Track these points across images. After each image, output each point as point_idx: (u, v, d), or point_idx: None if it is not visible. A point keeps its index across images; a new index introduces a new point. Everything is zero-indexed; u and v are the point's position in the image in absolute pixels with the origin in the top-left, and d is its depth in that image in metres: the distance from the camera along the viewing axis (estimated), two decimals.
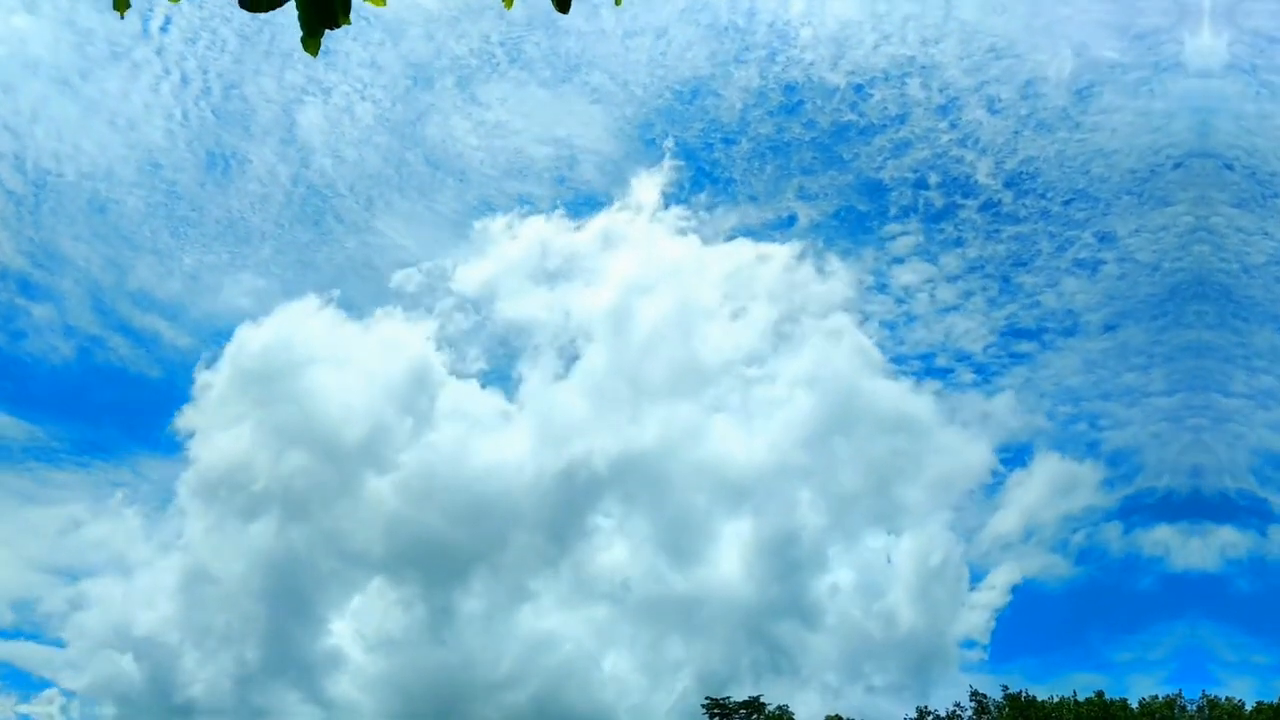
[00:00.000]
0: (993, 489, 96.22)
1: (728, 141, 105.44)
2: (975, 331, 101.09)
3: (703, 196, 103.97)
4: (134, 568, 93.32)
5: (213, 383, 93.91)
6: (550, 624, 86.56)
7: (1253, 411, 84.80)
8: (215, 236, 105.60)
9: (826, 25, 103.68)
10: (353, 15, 6.10)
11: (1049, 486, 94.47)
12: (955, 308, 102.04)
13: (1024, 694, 66.93)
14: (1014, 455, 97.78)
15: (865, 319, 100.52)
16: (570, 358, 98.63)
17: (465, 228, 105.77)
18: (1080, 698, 65.86)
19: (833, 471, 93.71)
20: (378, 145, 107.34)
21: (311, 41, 6.05)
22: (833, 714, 72.64)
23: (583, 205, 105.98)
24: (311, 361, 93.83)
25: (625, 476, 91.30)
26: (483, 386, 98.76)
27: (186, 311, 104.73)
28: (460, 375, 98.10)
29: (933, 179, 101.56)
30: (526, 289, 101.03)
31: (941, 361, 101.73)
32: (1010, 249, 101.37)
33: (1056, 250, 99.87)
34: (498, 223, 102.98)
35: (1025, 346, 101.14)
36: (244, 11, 5.80)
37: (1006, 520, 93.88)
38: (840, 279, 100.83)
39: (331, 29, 6.08)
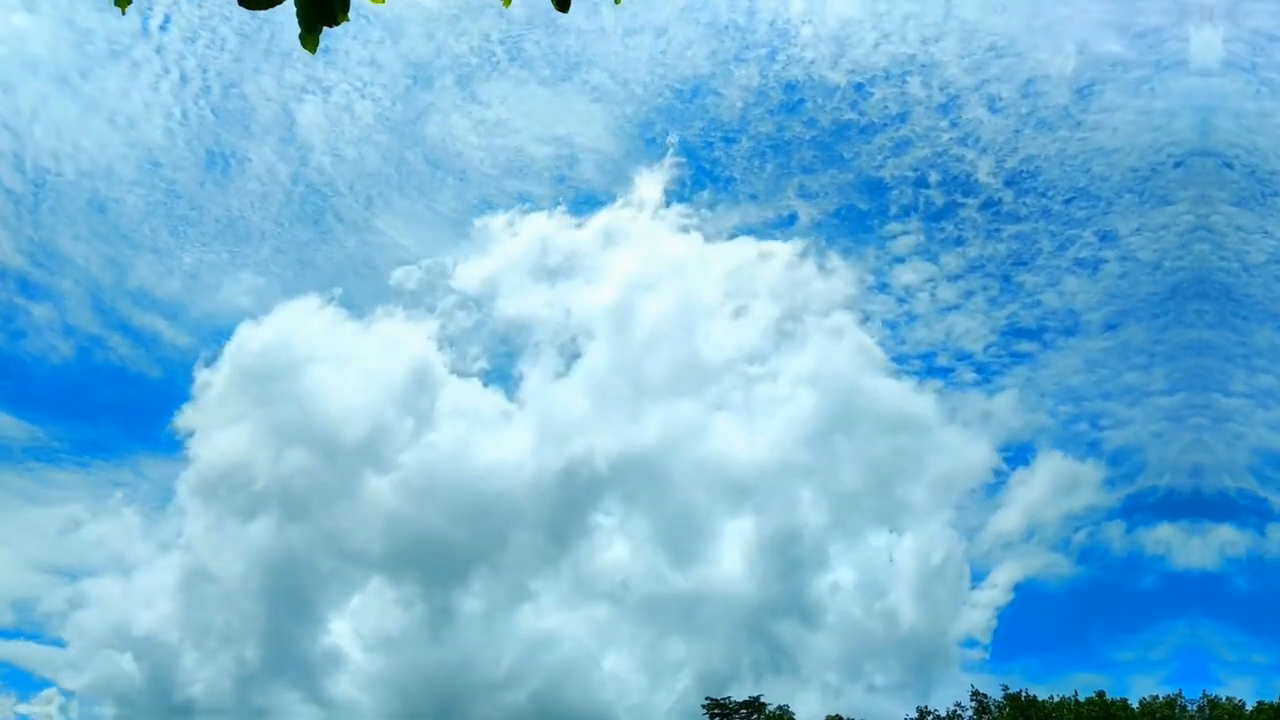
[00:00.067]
0: (994, 488, 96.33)
1: (728, 140, 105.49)
2: (976, 331, 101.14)
3: (704, 195, 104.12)
4: (133, 567, 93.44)
5: (212, 382, 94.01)
6: (550, 623, 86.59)
7: (1252, 411, 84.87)
8: (215, 235, 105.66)
9: (827, 24, 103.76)
10: (352, 13, 6.06)
11: (1051, 485, 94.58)
12: (956, 307, 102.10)
13: (1024, 694, 66.90)
14: (1016, 454, 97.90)
15: (866, 318, 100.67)
16: (571, 356, 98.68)
17: (465, 227, 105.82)
18: (1081, 698, 65.87)
19: (834, 470, 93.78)
20: (377, 144, 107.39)
21: (310, 38, 6.01)
22: (833, 714, 72.62)
23: (583, 204, 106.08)
24: (311, 360, 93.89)
25: (626, 475, 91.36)
26: (484, 385, 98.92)
27: (186, 311, 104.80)
28: (461, 374, 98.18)
29: (933, 178, 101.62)
30: (527, 286, 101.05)
31: (942, 361, 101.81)
32: (1011, 248, 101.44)
33: (1057, 249, 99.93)
34: (498, 220, 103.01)
35: (1026, 346, 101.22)
36: (243, 10, 5.73)
37: (1008, 519, 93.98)
38: (842, 277, 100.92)
39: (330, 26, 6.04)
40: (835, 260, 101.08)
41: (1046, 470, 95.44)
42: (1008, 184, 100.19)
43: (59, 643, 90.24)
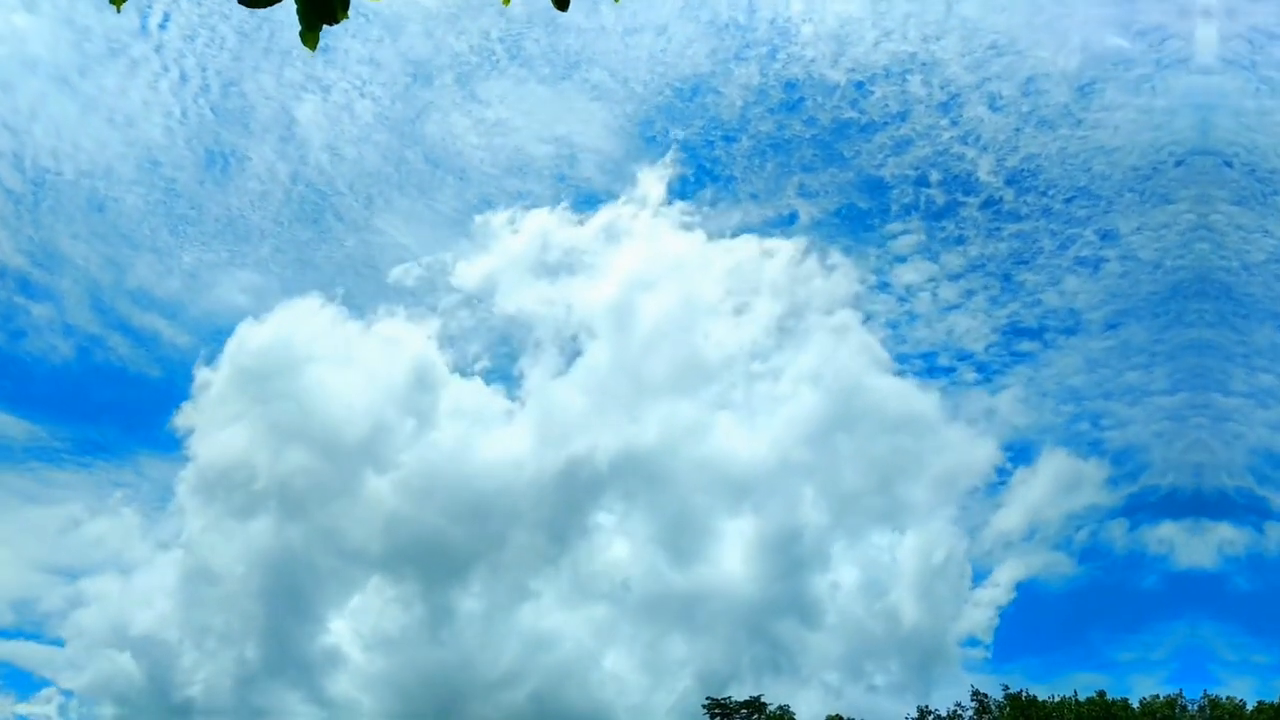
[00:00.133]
0: (996, 487, 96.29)
1: (728, 139, 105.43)
2: (977, 330, 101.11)
3: (705, 193, 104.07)
4: (133, 567, 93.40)
5: (212, 381, 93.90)
6: (550, 622, 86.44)
7: (1252, 410, 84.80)
8: (214, 235, 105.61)
9: (827, 22, 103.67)
10: (351, 12, 6.01)
11: (1053, 484, 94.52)
12: (957, 306, 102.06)
13: (1024, 694, 66.81)
14: (1018, 453, 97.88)
15: (868, 318, 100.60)
16: (572, 353, 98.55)
17: (465, 225, 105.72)
18: (1081, 697, 65.78)
19: (836, 469, 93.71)
20: (377, 143, 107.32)
21: (310, 36, 5.95)
22: (834, 714, 72.51)
23: (583, 204, 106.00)
24: (311, 360, 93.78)
25: (627, 473, 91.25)
26: (487, 384, 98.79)
27: (186, 310, 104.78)
28: (463, 373, 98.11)
29: (934, 176, 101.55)
30: (528, 283, 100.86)
31: (944, 361, 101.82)
32: (1012, 247, 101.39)
33: (1058, 248, 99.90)
34: (499, 217, 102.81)
35: (1027, 345, 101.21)
36: (243, 8, 5.68)
37: (1009, 518, 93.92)
38: (845, 274, 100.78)
39: (330, 24, 5.97)
40: (837, 257, 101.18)
41: (1049, 469, 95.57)
42: (1009, 183, 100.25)
43: (58, 642, 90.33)
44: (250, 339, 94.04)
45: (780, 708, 72.59)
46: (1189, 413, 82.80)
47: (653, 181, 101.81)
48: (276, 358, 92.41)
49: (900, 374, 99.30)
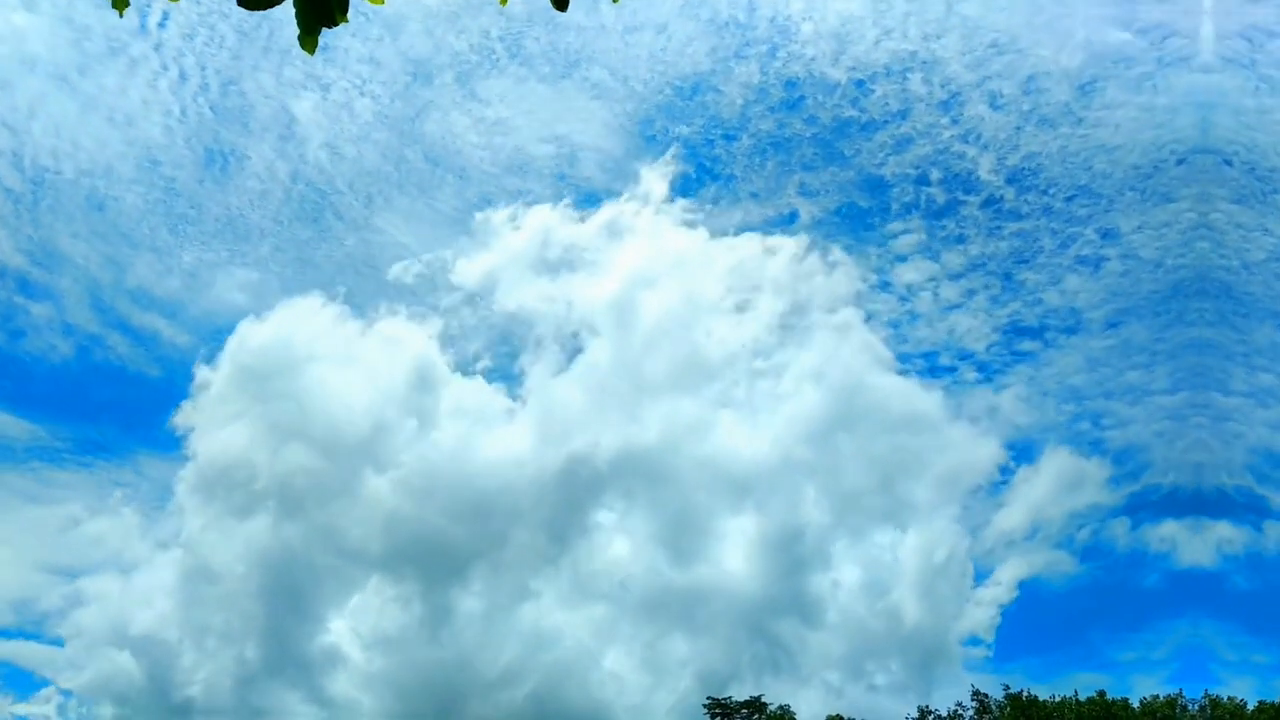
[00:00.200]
0: (998, 486, 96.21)
1: (728, 138, 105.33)
2: (978, 330, 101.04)
3: (706, 191, 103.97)
4: (133, 566, 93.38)
5: (211, 380, 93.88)
6: (550, 621, 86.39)
7: (1252, 409, 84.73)
8: (214, 234, 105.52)
9: (827, 20, 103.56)
10: (351, 11, 5.95)
11: (1055, 483, 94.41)
12: (958, 306, 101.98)
13: (1025, 693, 66.77)
14: (1020, 452, 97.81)
15: (869, 317, 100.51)
16: (573, 351, 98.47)
17: (466, 223, 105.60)
18: (1082, 697, 65.74)
19: (838, 467, 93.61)
20: (377, 142, 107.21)
21: (309, 40, 5.89)
22: (834, 713, 72.44)
23: (584, 201, 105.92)
24: (311, 358, 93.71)
25: (628, 472, 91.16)
26: (488, 382, 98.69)
27: (185, 309, 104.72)
28: (464, 371, 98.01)
29: (934, 175, 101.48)
30: (528, 280, 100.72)
31: (945, 360, 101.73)
32: (1013, 246, 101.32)
33: (1059, 247, 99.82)
34: (500, 214, 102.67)
35: (1028, 345, 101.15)
36: (242, 8, 5.64)
37: (1012, 517, 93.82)
38: (847, 272, 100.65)
39: (329, 28, 5.90)
40: (839, 255, 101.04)
41: (1051, 468, 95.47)
42: (1009, 181, 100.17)
43: (58, 642, 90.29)
44: (250, 338, 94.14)
45: (781, 707, 72.53)
46: (1189, 412, 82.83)
47: (655, 179, 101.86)
48: (276, 357, 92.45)
49: (902, 373, 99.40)
